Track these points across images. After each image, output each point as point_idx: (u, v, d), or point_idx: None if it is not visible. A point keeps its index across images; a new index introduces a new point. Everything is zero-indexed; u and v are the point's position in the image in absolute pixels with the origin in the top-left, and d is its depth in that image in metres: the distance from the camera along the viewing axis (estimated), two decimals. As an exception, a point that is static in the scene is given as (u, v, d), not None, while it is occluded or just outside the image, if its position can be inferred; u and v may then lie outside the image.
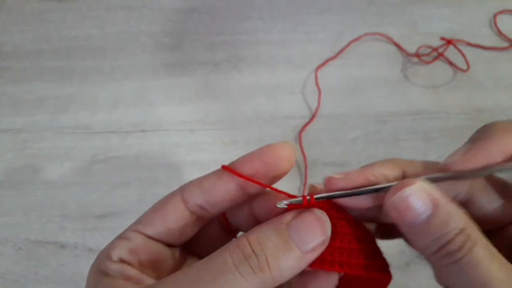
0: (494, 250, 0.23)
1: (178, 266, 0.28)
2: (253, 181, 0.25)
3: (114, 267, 0.25)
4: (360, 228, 0.26)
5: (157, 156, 0.58)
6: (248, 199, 0.28)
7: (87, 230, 0.53)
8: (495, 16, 0.69)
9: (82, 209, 0.54)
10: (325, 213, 0.25)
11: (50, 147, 0.59)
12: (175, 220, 0.27)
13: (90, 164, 0.57)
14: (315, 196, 0.25)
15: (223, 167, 0.26)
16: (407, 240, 0.30)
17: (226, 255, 0.22)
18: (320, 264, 0.24)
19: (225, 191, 0.26)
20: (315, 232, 0.24)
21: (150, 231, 0.27)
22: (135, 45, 0.68)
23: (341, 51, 0.66)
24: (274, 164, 0.26)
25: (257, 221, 0.28)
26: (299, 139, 0.58)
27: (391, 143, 0.58)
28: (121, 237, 0.27)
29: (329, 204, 0.26)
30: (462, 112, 0.61)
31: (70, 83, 0.64)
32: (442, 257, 0.23)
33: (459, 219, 0.23)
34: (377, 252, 0.26)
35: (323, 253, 0.24)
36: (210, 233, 0.30)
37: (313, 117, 0.60)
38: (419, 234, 0.23)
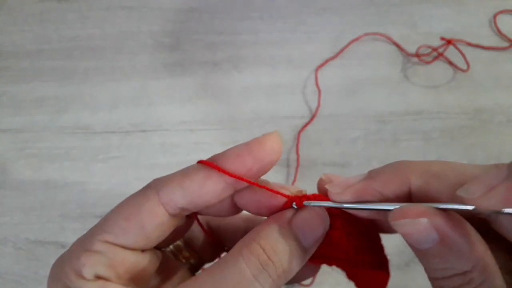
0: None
1: (155, 267, 0.26)
2: (248, 182, 0.24)
3: (91, 286, 0.22)
4: (360, 225, 0.26)
5: (157, 156, 0.58)
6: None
7: (87, 230, 0.53)
8: (495, 16, 0.69)
9: (82, 209, 0.54)
10: (323, 208, 0.25)
11: (50, 147, 0.59)
12: (154, 226, 0.23)
13: (90, 164, 0.57)
14: (310, 203, 0.24)
15: (204, 163, 0.24)
16: None
17: (242, 265, 0.22)
18: (319, 260, 0.25)
19: (214, 192, 0.24)
20: (317, 227, 0.24)
21: (125, 241, 0.23)
22: (135, 45, 0.68)
23: (341, 51, 0.66)
24: (266, 160, 0.24)
25: (235, 208, 0.26)
26: (297, 139, 0.58)
27: (391, 143, 0.58)
28: (89, 250, 0.23)
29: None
30: (462, 112, 0.61)
31: (70, 83, 0.64)
32: (440, 283, 0.22)
33: (468, 257, 0.20)
34: (377, 249, 0.26)
35: (322, 249, 0.24)
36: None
37: (313, 117, 0.60)
38: (422, 258, 0.22)
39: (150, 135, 0.60)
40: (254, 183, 0.24)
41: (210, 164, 0.24)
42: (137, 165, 0.57)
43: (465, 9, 0.70)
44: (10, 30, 0.70)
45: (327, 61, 0.65)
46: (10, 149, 0.59)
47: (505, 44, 0.66)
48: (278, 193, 0.25)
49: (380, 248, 0.26)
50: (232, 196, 0.25)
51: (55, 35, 0.69)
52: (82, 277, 0.22)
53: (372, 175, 0.24)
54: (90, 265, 0.23)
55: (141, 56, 0.67)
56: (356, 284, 0.28)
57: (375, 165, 0.59)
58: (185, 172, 0.24)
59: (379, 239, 0.26)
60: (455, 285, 0.21)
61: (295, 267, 0.23)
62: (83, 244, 0.24)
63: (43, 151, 0.58)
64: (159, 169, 0.57)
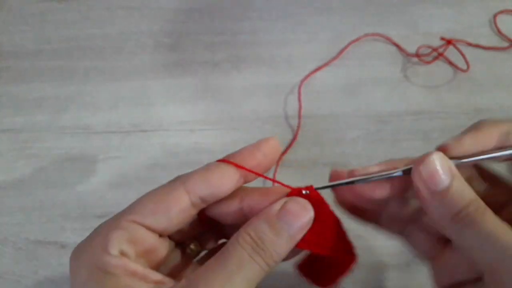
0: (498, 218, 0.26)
1: (167, 254, 0.29)
2: (258, 174, 0.29)
3: (115, 262, 0.24)
4: (334, 216, 0.30)
5: (157, 156, 0.58)
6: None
7: (87, 230, 0.52)
8: (495, 16, 0.69)
9: (82, 209, 0.54)
10: (306, 200, 0.28)
11: (50, 147, 0.59)
12: (178, 212, 0.27)
13: (90, 164, 0.57)
14: (324, 185, 0.30)
15: (222, 161, 0.29)
16: (403, 235, 0.34)
17: (241, 250, 0.26)
18: (305, 245, 0.28)
19: (230, 184, 0.28)
20: (301, 218, 0.27)
21: (151, 222, 0.27)
22: (135, 45, 0.68)
23: (341, 52, 0.66)
24: (272, 155, 0.30)
25: (242, 215, 0.30)
26: (293, 139, 0.58)
27: (391, 143, 0.58)
28: (116, 227, 0.26)
29: (317, 196, 0.30)
30: (462, 112, 0.61)
31: (70, 83, 0.64)
32: (460, 221, 0.26)
33: (471, 191, 0.26)
34: (344, 236, 0.30)
35: (308, 236, 0.28)
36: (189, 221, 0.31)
37: (298, 127, 0.60)
38: (440, 200, 0.26)
39: (150, 135, 0.60)
40: (266, 177, 0.30)
41: (227, 161, 0.29)
42: (137, 165, 0.57)
43: (465, 9, 0.70)
44: (10, 30, 0.70)
45: (327, 62, 0.65)
46: (10, 149, 0.59)
47: (505, 44, 0.66)
48: (284, 185, 0.30)
49: (346, 237, 0.31)
50: (240, 203, 0.30)
51: (55, 35, 0.69)
52: (108, 252, 0.25)
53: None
54: (117, 240, 0.25)
55: (141, 56, 0.67)
56: (327, 268, 0.32)
57: (375, 165, 0.59)
58: (207, 167, 0.29)
59: (343, 229, 0.31)
60: (475, 207, 0.26)
61: (282, 253, 0.27)
62: (111, 224, 0.27)
63: (43, 151, 0.58)
64: (159, 169, 0.57)
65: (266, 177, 0.30)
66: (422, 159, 0.27)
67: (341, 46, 0.66)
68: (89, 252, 0.25)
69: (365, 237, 0.49)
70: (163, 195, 0.28)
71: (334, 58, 0.65)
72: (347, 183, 0.30)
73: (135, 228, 0.26)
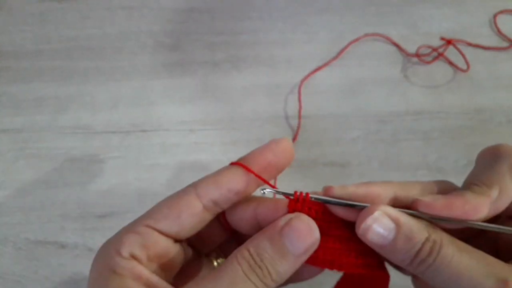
0: (461, 244, 0.26)
1: (181, 261, 0.29)
2: (263, 180, 0.28)
3: (124, 264, 0.25)
4: (353, 229, 0.28)
5: (157, 156, 0.58)
6: (251, 199, 0.30)
7: (87, 230, 0.53)
8: (495, 16, 0.69)
9: (82, 209, 0.54)
10: (311, 219, 0.27)
11: (50, 147, 0.59)
12: (189, 216, 0.27)
13: (90, 164, 0.57)
14: (310, 195, 0.28)
15: (235, 163, 0.29)
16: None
17: (236, 266, 0.25)
18: (313, 261, 0.27)
19: (240, 185, 0.28)
20: (305, 237, 0.26)
21: (163, 226, 0.27)
22: (135, 45, 0.68)
23: (341, 52, 0.66)
24: (283, 156, 0.29)
25: (257, 221, 0.29)
26: (293, 139, 0.58)
27: (391, 143, 0.58)
28: (131, 231, 0.27)
29: (323, 208, 0.28)
30: (462, 112, 0.61)
31: (70, 83, 0.64)
32: (417, 266, 0.25)
33: (422, 230, 0.26)
34: (371, 251, 0.27)
35: (316, 252, 0.27)
36: (210, 229, 0.31)
37: (298, 126, 0.60)
38: (391, 252, 0.26)
39: (150, 135, 0.60)
40: (268, 182, 0.29)
41: (238, 164, 0.28)
42: (137, 165, 0.57)
43: (465, 9, 0.70)
44: (10, 30, 0.70)
45: (327, 62, 0.65)
46: (10, 149, 0.59)
47: (505, 44, 0.66)
48: (285, 196, 0.28)
49: (372, 250, 0.28)
50: (254, 210, 0.29)
51: (55, 35, 0.69)
52: (120, 254, 0.26)
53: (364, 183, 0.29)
54: (129, 244, 0.26)
55: (141, 56, 0.67)
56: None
57: (375, 165, 0.59)
58: (218, 171, 0.29)
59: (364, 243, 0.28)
60: (428, 250, 0.25)
61: (283, 273, 0.26)
62: (128, 227, 0.27)
63: (43, 151, 0.58)
64: (159, 169, 0.57)
65: (266, 182, 0.29)
66: (359, 222, 0.26)
67: (341, 46, 0.66)
68: (104, 253, 0.26)
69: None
70: (176, 200, 0.28)
71: (334, 58, 0.65)
72: (324, 201, 0.28)
73: (148, 233, 0.27)
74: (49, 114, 0.61)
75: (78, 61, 0.66)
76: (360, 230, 0.26)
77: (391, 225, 0.26)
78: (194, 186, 0.28)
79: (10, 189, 0.56)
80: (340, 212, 0.28)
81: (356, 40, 0.67)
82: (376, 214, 0.26)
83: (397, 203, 0.28)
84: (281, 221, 0.27)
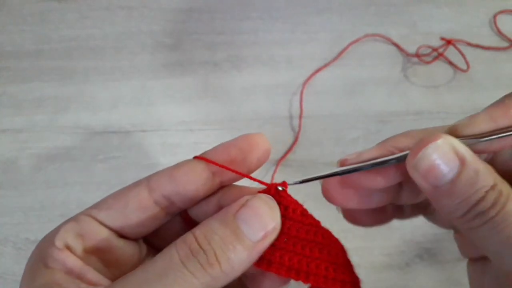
0: None
1: (133, 259, 0.26)
2: (228, 169, 0.25)
3: (56, 255, 0.22)
4: (329, 238, 0.24)
5: (157, 156, 0.58)
6: (216, 191, 0.26)
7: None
8: (495, 16, 0.69)
9: (82, 209, 0.54)
10: (272, 198, 0.23)
11: (50, 147, 0.59)
12: (136, 208, 0.25)
13: (90, 164, 0.57)
14: (292, 182, 0.24)
15: (196, 157, 0.26)
16: (426, 215, 0.29)
17: (173, 252, 0.21)
18: (277, 268, 0.23)
19: (198, 181, 0.25)
20: (264, 218, 0.22)
21: (105, 217, 0.24)
22: (135, 45, 0.68)
23: (341, 52, 0.66)
24: (250, 151, 0.26)
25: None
26: (294, 140, 0.58)
27: (391, 143, 0.58)
28: (71, 220, 0.24)
29: (302, 209, 0.24)
30: (462, 112, 0.61)
31: (70, 83, 0.64)
32: (473, 218, 0.21)
33: (488, 176, 0.20)
34: (346, 265, 0.24)
35: (282, 257, 0.23)
36: (172, 228, 0.28)
37: (299, 130, 0.60)
38: (446, 195, 0.21)
39: (150, 135, 0.60)
40: (235, 171, 0.25)
41: (198, 157, 0.26)
42: (137, 165, 0.57)
43: (465, 9, 0.70)
44: (10, 30, 0.70)
45: (327, 63, 0.65)
46: (10, 149, 0.59)
47: (505, 44, 0.66)
48: (257, 180, 0.25)
49: (348, 264, 0.24)
50: (218, 202, 0.26)
51: (55, 35, 0.69)
52: (53, 244, 0.23)
53: (382, 141, 0.25)
54: (64, 232, 0.23)
55: (141, 56, 0.67)
56: None
57: (375, 165, 0.58)
58: (175, 165, 0.26)
59: (345, 254, 0.24)
60: (492, 201, 0.20)
61: (236, 261, 0.21)
62: (71, 218, 0.25)
63: (43, 151, 0.58)
64: (159, 169, 0.56)
65: (239, 173, 0.25)
66: (414, 151, 0.21)
67: (341, 46, 0.66)
68: (40, 244, 0.24)
69: (365, 237, 0.49)
70: (125, 192, 0.25)
71: (334, 59, 0.65)
72: (335, 174, 0.24)
73: (87, 221, 0.24)
74: (49, 114, 0.61)
75: (78, 61, 0.66)
76: (413, 160, 0.21)
77: (456, 161, 0.20)
78: (148, 178, 0.26)
79: (10, 189, 0.56)
80: (366, 182, 0.24)
81: (356, 40, 0.67)
82: (440, 142, 0.21)
83: None
84: (237, 202, 0.23)
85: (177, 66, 0.66)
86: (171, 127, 0.60)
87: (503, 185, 0.21)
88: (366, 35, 0.67)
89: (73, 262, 0.22)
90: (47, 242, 0.23)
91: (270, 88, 0.63)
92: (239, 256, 0.21)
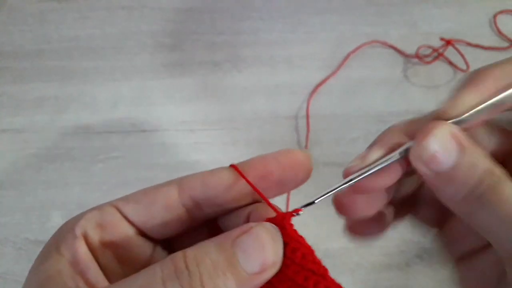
0: None
1: (148, 261, 0.25)
2: (252, 185, 0.23)
3: (70, 243, 0.22)
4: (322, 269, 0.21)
5: (157, 156, 0.58)
6: (248, 204, 0.25)
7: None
8: (495, 16, 0.69)
9: (82, 209, 0.54)
10: (278, 231, 0.21)
11: (50, 147, 0.59)
12: (162, 206, 0.24)
13: (90, 164, 0.57)
14: (305, 203, 0.23)
15: (232, 166, 0.24)
16: (414, 213, 0.30)
17: (157, 269, 0.20)
18: None
19: (229, 190, 0.24)
20: (266, 250, 0.20)
21: (130, 210, 0.24)
22: (135, 45, 0.68)
23: (340, 66, 0.66)
24: (292, 168, 0.24)
25: None
26: (306, 139, 0.58)
27: (391, 143, 0.58)
28: (96, 208, 0.24)
29: (307, 251, 0.22)
30: (462, 112, 0.61)
31: (70, 83, 0.64)
32: (473, 201, 0.22)
33: (486, 159, 0.22)
34: None
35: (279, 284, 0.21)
36: (198, 238, 0.26)
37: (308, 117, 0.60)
38: (447, 180, 0.22)
39: (150, 135, 0.60)
40: (258, 190, 0.23)
41: (233, 167, 0.24)
42: (137, 165, 0.57)
43: (465, 9, 0.70)
44: (10, 30, 0.70)
45: (326, 76, 0.65)
46: (10, 149, 0.59)
47: (505, 44, 0.66)
48: (272, 207, 0.23)
49: None
50: (249, 215, 0.25)
51: (55, 35, 0.69)
52: (72, 230, 0.22)
53: (373, 141, 0.26)
54: (85, 220, 0.23)
55: (141, 56, 0.67)
56: None
57: (375, 165, 0.58)
58: (210, 170, 0.25)
59: None
60: (489, 183, 0.21)
61: None
62: (97, 206, 0.24)
63: (43, 151, 0.58)
64: (159, 169, 0.57)
65: (257, 191, 0.23)
66: (418, 140, 0.23)
67: (341, 46, 0.66)
68: (61, 227, 0.23)
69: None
70: (155, 189, 0.25)
71: (338, 68, 0.65)
72: (348, 184, 0.24)
73: (110, 213, 0.23)
74: (49, 114, 0.61)
75: (78, 61, 0.66)
76: (416, 151, 0.22)
77: (455, 147, 0.22)
78: (180, 179, 0.25)
79: (10, 189, 0.56)
80: (372, 185, 0.24)
81: (355, 50, 0.66)
82: (439, 131, 0.22)
83: None
84: (241, 228, 0.21)
85: (177, 66, 0.66)
86: (171, 127, 0.60)
87: (497, 168, 0.22)
88: (364, 44, 0.67)
89: (83, 254, 0.22)
90: (68, 226, 0.23)
91: (270, 88, 0.63)
92: (228, 286, 0.19)
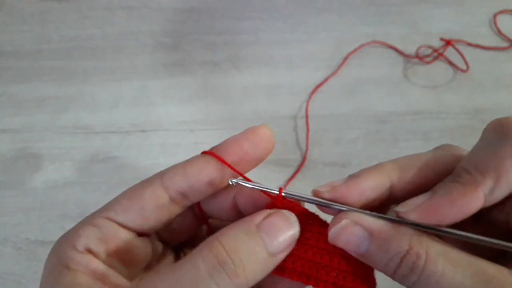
0: (455, 254, 0.21)
1: (148, 255, 0.27)
2: (235, 170, 0.25)
3: (78, 258, 0.23)
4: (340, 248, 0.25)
5: (157, 156, 0.58)
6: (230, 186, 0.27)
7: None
8: (495, 16, 0.69)
9: (82, 209, 0.54)
10: (293, 214, 0.24)
11: (50, 147, 0.59)
12: (153, 208, 0.25)
13: (90, 164, 0.57)
14: (284, 192, 0.25)
15: (204, 152, 0.26)
16: None
17: (199, 262, 0.21)
18: (290, 274, 0.24)
19: (211, 176, 0.25)
20: (285, 232, 0.23)
21: (124, 219, 0.25)
22: (135, 45, 0.68)
23: (339, 67, 0.66)
24: (261, 145, 0.26)
25: (238, 211, 0.27)
26: (306, 134, 0.58)
27: (391, 143, 0.58)
28: (89, 223, 0.24)
29: (308, 214, 0.25)
30: (462, 112, 0.61)
31: (70, 83, 0.64)
32: (401, 281, 0.22)
33: (401, 241, 0.22)
34: (355, 273, 0.24)
35: (294, 264, 0.24)
36: (182, 220, 0.28)
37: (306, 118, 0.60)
38: (370, 263, 0.23)
39: (150, 135, 0.60)
40: (241, 174, 0.25)
41: (210, 153, 0.26)
42: (137, 165, 0.57)
43: (465, 9, 0.70)
44: (10, 30, 0.70)
45: (326, 77, 0.65)
46: (10, 149, 0.59)
47: (505, 44, 0.66)
48: (264, 192, 0.25)
49: (361, 273, 0.24)
50: (234, 198, 0.27)
51: (55, 35, 0.69)
52: (74, 248, 0.23)
53: (354, 174, 0.25)
54: (85, 237, 0.24)
55: (141, 56, 0.67)
56: None
57: (375, 165, 0.58)
58: (187, 160, 0.26)
59: (362, 264, 0.25)
60: (411, 266, 0.21)
61: (258, 272, 0.22)
62: (86, 220, 0.25)
63: (43, 151, 0.58)
64: (159, 169, 0.56)
65: (241, 174, 0.25)
66: (330, 227, 0.24)
67: (341, 46, 0.66)
68: (58, 247, 0.24)
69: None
70: (139, 191, 0.26)
71: (338, 68, 0.65)
72: (313, 202, 0.25)
73: (107, 226, 0.24)
74: (49, 114, 0.61)
75: (78, 61, 0.66)
76: (329, 238, 0.24)
77: (363, 233, 0.23)
78: (160, 175, 0.26)
79: (10, 189, 0.56)
80: (330, 212, 0.25)
81: (354, 51, 0.66)
82: (344, 223, 0.23)
83: (397, 191, 0.25)
84: (260, 215, 0.24)
85: (177, 66, 0.66)
86: (171, 127, 0.60)
87: (420, 246, 0.21)
88: (362, 45, 0.67)
89: (97, 264, 0.23)
90: (66, 245, 0.24)
91: (270, 88, 0.63)
92: (261, 267, 0.22)
